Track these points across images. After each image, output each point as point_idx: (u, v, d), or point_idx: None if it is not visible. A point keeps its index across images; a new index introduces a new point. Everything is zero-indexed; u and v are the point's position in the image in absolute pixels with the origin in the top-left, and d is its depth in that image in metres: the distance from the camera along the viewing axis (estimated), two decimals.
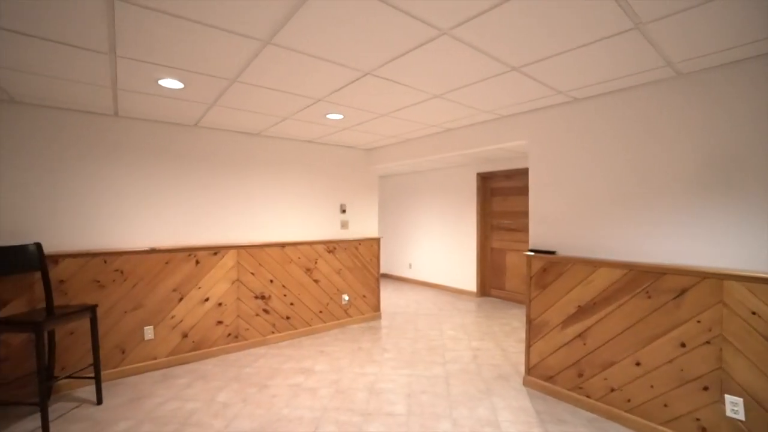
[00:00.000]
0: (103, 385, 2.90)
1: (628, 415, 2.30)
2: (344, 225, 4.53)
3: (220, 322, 3.53)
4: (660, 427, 2.17)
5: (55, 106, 2.81)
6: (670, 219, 2.19)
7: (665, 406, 2.16)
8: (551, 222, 2.78)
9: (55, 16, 1.55)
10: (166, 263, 3.24)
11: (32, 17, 1.55)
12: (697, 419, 2.04)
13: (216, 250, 3.51)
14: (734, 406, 1.92)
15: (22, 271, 2.55)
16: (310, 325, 4.13)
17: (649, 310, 2.23)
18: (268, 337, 3.82)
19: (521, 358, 3.40)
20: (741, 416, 1.90)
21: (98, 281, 2.95)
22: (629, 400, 2.31)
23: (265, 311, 3.81)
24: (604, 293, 2.42)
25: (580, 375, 2.55)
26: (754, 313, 1.87)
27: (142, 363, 3.13)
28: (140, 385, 2.91)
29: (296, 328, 4.02)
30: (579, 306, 2.55)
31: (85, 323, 2.90)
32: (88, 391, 2.80)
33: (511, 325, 4.44)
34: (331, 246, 4.31)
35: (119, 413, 2.48)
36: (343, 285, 4.41)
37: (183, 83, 2.34)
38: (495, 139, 3.21)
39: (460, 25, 1.62)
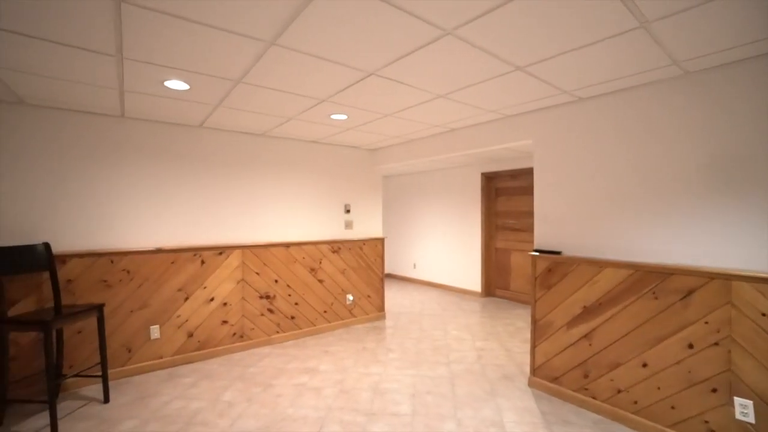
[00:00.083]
0: (110, 383, 2.93)
1: (635, 417, 2.28)
2: (348, 225, 4.54)
3: (225, 322, 3.55)
4: (667, 430, 2.15)
5: (64, 107, 2.84)
6: (676, 219, 2.17)
7: (672, 408, 2.14)
8: (556, 222, 2.76)
9: (64, 20, 1.57)
10: (172, 263, 3.27)
11: (42, 21, 1.57)
12: (706, 422, 2.02)
13: (221, 250, 3.53)
14: (744, 409, 1.90)
15: (31, 270, 2.58)
16: (315, 325, 4.14)
17: (655, 310, 2.21)
18: (273, 336, 3.83)
19: (526, 359, 3.38)
20: (751, 419, 1.88)
21: (105, 281, 2.97)
22: (636, 402, 2.29)
23: (270, 311, 3.83)
24: (610, 294, 2.40)
25: (586, 376, 2.53)
26: (764, 315, 1.84)
27: (148, 362, 3.16)
28: (146, 383, 2.93)
29: (301, 328, 4.03)
30: (584, 306, 2.53)
31: (92, 322, 2.93)
32: (95, 389, 2.83)
33: (516, 325, 4.42)
34: (336, 246, 4.31)
35: (126, 412, 2.50)
36: (348, 285, 4.41)
37: (188, 84, 2.35)
38: (499, 138, 3.19)
39: (464, 25, 1.61)
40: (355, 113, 3.03)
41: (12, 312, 2.61)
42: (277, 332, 3.87)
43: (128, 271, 3.07)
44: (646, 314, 2.25)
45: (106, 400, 2.63)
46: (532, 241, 5.33)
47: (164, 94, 2.53)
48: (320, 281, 4.18)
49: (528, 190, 5.40)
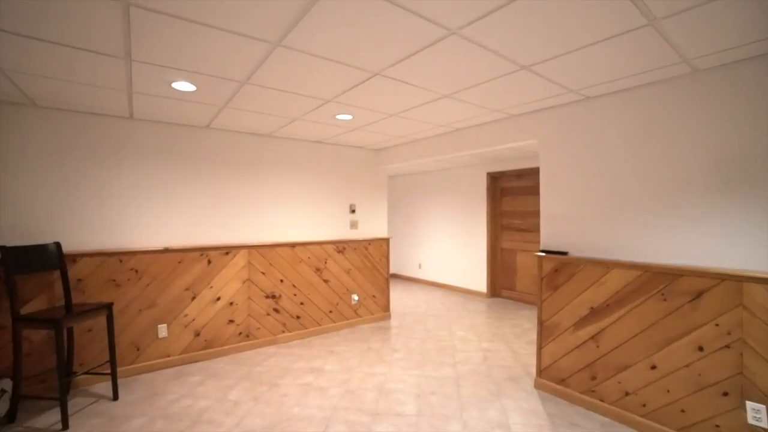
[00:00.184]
0: (119, 381, 2.97)
1: (643, 420, 2.25)
2: (354, 225, 4.55)
3: (231, 321, 3.58)
4: None
5: (74, 109, 2.89)
6: (686, 219, 2.13)
7: (682, 411, 2.11)
8: (563, 222, 2.74)
9: (74, 24, 1.59)
10: (179, 263, 3.30)
11: (53, 25, 1.60)
12: (717, 426, 1.99)
13: (227, 250, 3.55)
14: (756, 413, 1.86)
15: (43, 269, 2.63)
16: (320, 325, 4.16)
17: (664, 312, 2.18)
18: (279, 336, 3.85)
19: (532, 360, 3.36)
20: (764, 423, 1.84)
21: (114, 280, 3.02)
22: (644, 405, 2.26)
23: (276, 311, 3.85)
24: (618, 295, 2.37)
25: (593, 378, 2.51)
26: None
27: (156, 360, 3.19)
28: (154, 382, 2.97)
29: (306, 328, 4.05)
30: (592, 308, 2.51)
31: (101, 321, 2.97)
32: (104, 387, 2.87)
33: (522, 326, 4.39)
34: (341, 246, 4.32)
35: (134, 409, 2.54)
36: (353, 285, 4.42)
37: (195, 86, 2.38)
38: (505, 138, 3.18)
39: (470, 24, 1.61)
40: (360, 113, 3.03)
41: (25, 310, 2.66)
42: (283, 332, 3.89)
43: (136, 271, 3.11)
44: (654, 316, 2.22)
45: (115, 397, 2.67)
46: (538, 242, 5.29)
47: (171, 95, 2.56)
48: (325, 281, 4.19)
49: (534, 190, 5.36)
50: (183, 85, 2.37)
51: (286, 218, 4.02)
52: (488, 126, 3.32)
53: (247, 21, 1.59)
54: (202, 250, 3.42)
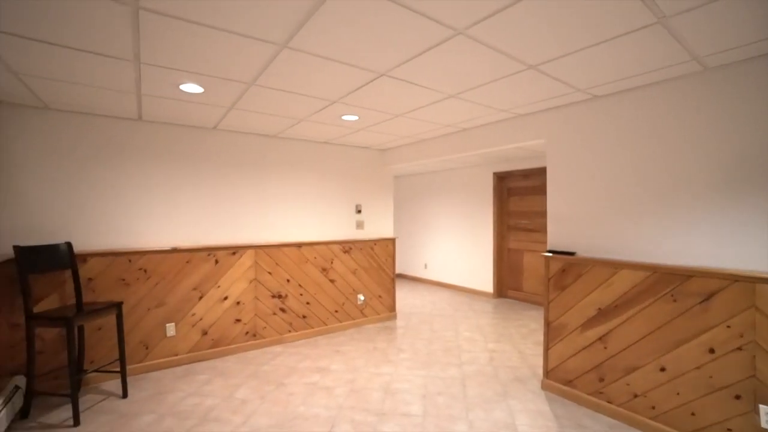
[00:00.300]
0: (128, 379, 3.01)
1: (653, 423, 2.23)
2: (359, 225, 4.55)
3: (238, 321, 3.61)
4: None
5: (85, 111, 2.93)
6: (696, 219, 2.10)
7: (693, 414, 2.08)
8: (570, 222, 2.71)
9: (86, 28, 1.62)
10: (187, 262, 3.34)
11: (65, 30, 1.62)
12: (729, 429, 1.95)
13: (234, 250, 3.58)
14: None
15: (55, 268, 2.67)
16: (326, 325, 4.17)
17: (674, 313, 2.15)
18: (285, 335, 3.88)
19: (539, 361, 3.33)
20: None
21: (123, 279, 3.06)
22: (654, 407, 2.23)
23: (282, 310, 3.87)
24: (626, 296, 2.35)
25: (601, 379, 2.48)
26: None
27: (165, 359, 3.23)
28: (163, 380, 3.00)
29: (312, 327, 4.07)
30: (599, 308, 2.48)
31: (111, 319, 3.01)
32: (114, 384, 2.92)
33: (529, 327, 4.36)
34: (347, 246, 4.33)
35: (143, 407, 2.57)
36: (359, 285, 4.43)
37: (203, 88, 2.40)
38: (512, 138, 3.16)
39: (476, 24, 1.60)
40: (366, 114, 3.04)
41: (37, 309, 2.71)
42: (289, 331, 3.91)
43: (145, 270, 3.15)
44: (664, 317, 2.19)
45: (125, 395, 2.70)
46: (545, 242, 5.25)
47: (180, 97, 2.59)
48: (332, 281, 4.21)
49: (541, 190, 5.32)
50: (191, 87, 2.39)
51: (292, 218, 4.04)
52: (495, 126, 3.30)
53: (254, 23, 1.60)
54: (210, 250, 3.45)
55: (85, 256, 2.91)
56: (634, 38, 1.72)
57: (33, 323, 2.41)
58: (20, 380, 2.57)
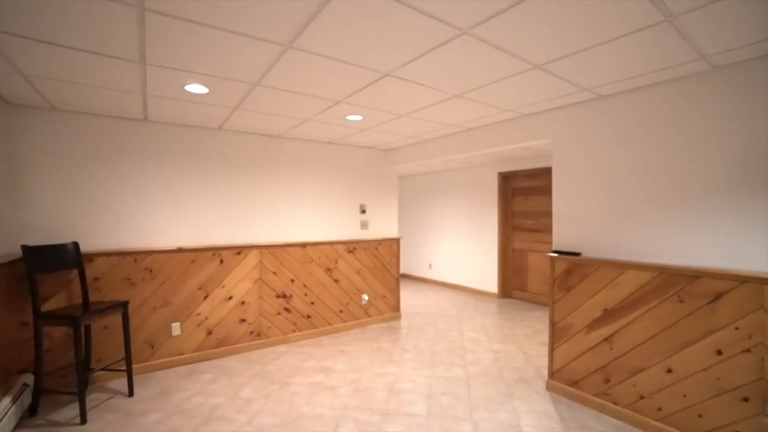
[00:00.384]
0: (134, 378, 3.03)
1: (659, 424, 2.21)
2: (364, 225, 4.56)
3: (243, 320, 3.62)
4: None
5: (91, 112, 2.96)
6: (703, 219, 2.08)
7: (700, 416, 2.06)
8: (575, 222, 2.70)
9: (92, 29, 1.63)
10: (192, 262, 3.36)
11: (72, 31, 1.64)
12: None
13: (239, 250, 3.60)
14: None
15: (62, 268, 2.70)
16: (331, 325, 4.18)
17: (681, 315, 2.13)
18: (290, 335, 3.89)
19: (544, 362, 3.32)
20: None
21: (129, 279, 3.08)
22: (660, 409, 2.21)
23: (287, 310, 3.88)
24: (632, 296, 2.33)
25: (607, 380, 2.47)
26: None
27: (170, 358, 3.25)
28: (168, 379, 3.02)
29: (317, 327, 4.07)
30: (605, 309, 2.47)
31: (117, 318, 3.04)
32: (120, 383, 2.94)
33: (534, 327, 4.34)
34: (351, 246, 4.34)
35: (149, 405, 2.59)
36: (363, 285, 4.43)
37: (208, 88, 2.41)
38: (517, 138, 3.14)
39: (481, 24, 1.60)
40: (371, 114, 3.04)
41: (45, 307, 2.74)
42: (294, 331, 3.92)
43: (151, 270, 3.17)
44: (670, 318, 2.17)
45: (131, 393, 2.73)
46: (550, 242, 5.22)
47: (185, 97, 2.61)
48: (336, 281, 4.21)
49: (546, 190, 5.29)
50: (196, 88, 2.40)
51: (296, 218, 4.05)
52: (500, 125, 3.29)
53: (259, 23, 1.61)
54: (215, 250, 3.47)
55: (92, 256, 2.93)
56: (641, 37, 1.71)
57: (41, 322, 2.43)
58: (28, 378, 2.60)
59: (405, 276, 7.84)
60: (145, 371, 3.14)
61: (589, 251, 2.62)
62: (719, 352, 1.99)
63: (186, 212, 3.41)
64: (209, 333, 3.45)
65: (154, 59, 1.97)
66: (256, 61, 1.99)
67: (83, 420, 2.36)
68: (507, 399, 2.67)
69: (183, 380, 3.00)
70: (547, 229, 5.28)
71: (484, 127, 3.44)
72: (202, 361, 3.39)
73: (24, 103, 2.69)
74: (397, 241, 4.74)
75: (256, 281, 3.69)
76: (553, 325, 2.79)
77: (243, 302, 3.62)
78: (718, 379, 2.00)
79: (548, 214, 5.27)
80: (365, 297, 4.44)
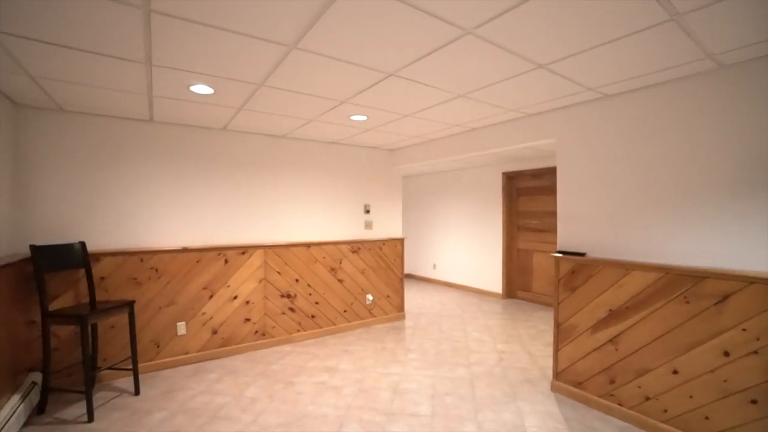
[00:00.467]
0: (140, 377, 3.06)
1: (665, 426, 2.19)
2: (368, 225, 4.56)
3: (247, 320, 3.64)
4: None
5: (98, 113, 2.99)
6: (709, 219, 2.06)
7: (706, 418, 2.04)
8: (580, 222, 2.68)
9: (99, 32, 1.65)
10: (197, 262, 3.38)
11: (80, 33, 1.66)
12: None
13: (244, 250, 3.62)
14: None
15: (69, 267, 2.73)
16: (335, 324, 4.19)
17: (687, 315, 2.11)
18: (294, 335, 3.90)
19: (548, 363, 3.30)
20: None
21: (135, 278, 3.11)
22: (666, 411, 2.20)
23: (291, 310, 3.89)
24: (638, 297, 2.31)
25: (612, 382, 2.45)
26: None
27: (175, 357, 3.28)
28: (173, 378, 3.04)
29: (321, 327, 4.08)
30: (610, 310, 2.45)
31: (124, 318, 3.07)
32: (126, 382, 2.97)
33: (538, 328, 4.32)
34: (356, 246, 4.34)
35: (155, 404, 2.61)
36: (368, 285, 4.44)
37: (213, 89, 2.43)
38: (521, 137, 3.13)
39: (485, 24, 1.59)
40: (375, 114, 3.04)
41: (52, 306, 2.77)
42: (298, 331, 3.93)
43: (156, 270, 3.20)
44: (676, 319, 2.15)
45: (137, 392, 2.75)
46: (554, 242, 5.20)
47: (190, 98, 2.62)
48: (340, 281, 4.22)
49: (550, 190, 5.26)
50: (201, 88, 2.42)
51: (301, 218, 4.06)
52: (504, 125, 3.28)
53: (264, 24, 1.62)
54: (219, 250, 3.49)
55: (98, 256, 2.96)
56: (647, 36, 1.70)
57: (49, 321, 2.46)
58: (36, 376, 2.63)
59: (409, 276, 7.84)
60: (151, 370, 3.16)
61: (593, 251, 2.60)
62: (726, 354, 1.97)
63: (191, 212, 3.43)
64: (214, 332, 3.47)
65: (159, 60, 1.99)
66: (261, 61, 2.00)
67: (90, 418, 2.38)
68: (511, 399, 2.66)
69: (188, 379, 3.02)
70: (552, 230, 5.25)
71: (488, 127, 3.43)
72: (207, 360, 3.41)
73: (31, 104, 2.73)
74: (401, 241, 4.74)
75: (260, 281, 3.70)
76: (557, 325, 2.78)
77: (248, 302, 3.64)
78: (725, 381, 1.98)
79: (553, 214, 5.24)
80: (369, 297, 4.44)
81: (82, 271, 2.90)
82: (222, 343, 3.51)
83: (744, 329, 1.91)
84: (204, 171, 3.50)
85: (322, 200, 4.22)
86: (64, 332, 2.83)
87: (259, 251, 3.70)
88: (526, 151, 4.59)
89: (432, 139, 4.05)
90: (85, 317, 2.39)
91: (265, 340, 3.73)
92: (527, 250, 5.60)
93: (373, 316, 4.50)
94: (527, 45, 1.80)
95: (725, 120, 2.01)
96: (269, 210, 3.86)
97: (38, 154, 2.81)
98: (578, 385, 2.65)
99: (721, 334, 1.99)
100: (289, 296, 3.88)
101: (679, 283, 2.14)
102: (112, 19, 1.57)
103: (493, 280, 5.92)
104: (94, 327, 2.89)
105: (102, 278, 2.98)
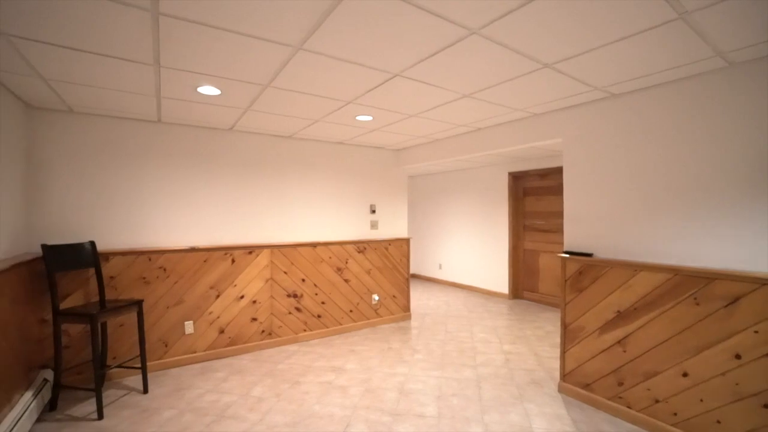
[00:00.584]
0: (149, 375, 3.09)
1: (675, 429, 2.16)
2: (374, 225, 4.56)
3: (254, 319, 3.66)
4: None
5: (108, 114, 3.03)
6: (718, 220, 2.03)
7: (718, 422, 2.01)
8: (587, 223, 2.66)
9: (108, 34, 1.67)
10: (205, 261, 3.41)
11: (89, 36, 1.68)
12: None
13: (251, 249, 3.64)
14: None
15: (79, 267, 2.77)
16: (341, 324, 4.20)
17: (697, 317, 2.08)
18: (300, 334, 3.92)
19: (556, 364, 3.28)
20: None
21: (144, 278, 3.15)
22: (675, 414, 2.17)
23: (297, 309, 3.91)
24: (646, 298, 2.28)
25: (620, 384, 2.42)
26: None
27: (183, 356, 3.31)
28: (181, 376, 3.08)
29: (327, 327, 4.10)
30: (618, 311, 2.43)
31: (132, 316, 3.10)
32: (135, 380, 3.00)
33: (545, 329, 4.29)
34: (362, 246, 4.35)
35: (163, 402, 2.64)
36: (373, 285, 4.44)
37: (220, 90, 2.45)
38: (527, 137, 3.11)
39: (490, 23, 1.59)
40: (381, 114, 3.05)
41: (63, 305, 2.82)
42: (304, 330, 3.95)
43: (164, 269, 3.23)
44: (686, 321, 2.12)
45: (145, 390, 2.78)
46: (561, 243, 5.16)
47: (197, 99, 2.65)
48: (346, 281, 4.23)
49: (557, 190, 5.22)
50: (208, 90, 2.44)
51: (307, 218, 4.08)
52: (510, 125, 3.26)
53: (270, 26, 1.63)
54: (227, 250, 3.52)
55: (108, 255, 3.00)
56: (654, 35, 1.68)
57: (60, 319, 2.50)
58: (48, 374, 2.67)
59: (415, 276, 7.83)
60: (159, 368, 3.20)
61: (601, 252, 2.58)
62: (738, 357, 1.94)
63: (198, 212, 3.47)
64: (221, 332, 3.50)
65: (167, 62, 2.01)
66: (268, 62, 2.01)
67: (100, 415, 2.42)
68: (518, 401, 2.65)
69: (196, 378, 3.05)
70: (559, 230, 5.21)
71: (494, 127, 3.41)
72: (214, 359, 3.44)
73: (43, 105, 2.77)
74: (407, 241, 4.73)
75: (267, 281, 3.73)
76: (564, 326, 2.76)
77: (254, 301, 3.66)
78: (737, 384, 1.95)
79: (559, 215, 5.20)
80: (375, 297, 4.45)
81: (92, 271, 2.94)
82: (229, 343, 3.54)
83: (756, 331, 1.88)
84: (211, 171, 3.53)
85: (328, 200, 4.23)
86: (74, 330, 2.88)
87: (266, 251, 3.72)
88: (532, 150, 4.56)
89: (437, 139, 4.04)
90: (95, 316, 2.42)
91: (272, 340, 3.75)
92: (534, 250, 5.56)
93: (379, 316, 4.50)
94: (533, 44, 1.79)
95: (735, 119, 1.98)
96: (276, 210, 3.89)
97: (49, 155, 2.86)
98: (586, 386, 2.63)
99: (732, 336, 1.96)
100: (295, 296, 3.90)
101: (688, 284, 2.11)
102: (121, 23, 1.59)
103: (500, 281, 5.89)
104: (104, 325, 2.93)
105: (111, 277, 3.02)
